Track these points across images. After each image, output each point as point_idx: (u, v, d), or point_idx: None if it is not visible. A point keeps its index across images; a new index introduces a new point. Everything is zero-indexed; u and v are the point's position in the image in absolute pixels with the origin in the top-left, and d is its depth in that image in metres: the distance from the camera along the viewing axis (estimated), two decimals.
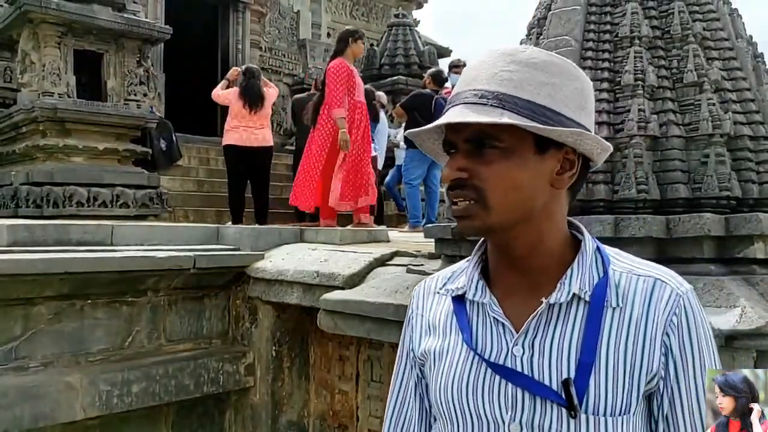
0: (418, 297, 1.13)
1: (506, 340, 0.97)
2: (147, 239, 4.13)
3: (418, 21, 14.19)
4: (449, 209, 4.15)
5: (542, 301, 0.95)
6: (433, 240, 3.50)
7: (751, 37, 3.18)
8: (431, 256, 3.63)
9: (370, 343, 3.68)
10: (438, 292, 1.09)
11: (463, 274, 1.06)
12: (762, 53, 3.15)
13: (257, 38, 11.88)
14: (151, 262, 3.74)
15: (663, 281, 0.95)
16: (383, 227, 5.72)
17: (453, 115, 0.93)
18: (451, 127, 0.95)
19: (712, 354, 0.95)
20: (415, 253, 3.81)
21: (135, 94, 7.33)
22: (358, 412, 3.79)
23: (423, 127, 1.01)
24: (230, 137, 6.65)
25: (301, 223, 6.63)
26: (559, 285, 0.95)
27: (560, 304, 0.95)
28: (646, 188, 2.75)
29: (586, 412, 0.91)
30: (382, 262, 3.78)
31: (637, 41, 2.99)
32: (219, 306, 4.23)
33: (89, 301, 3.68)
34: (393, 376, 1.15)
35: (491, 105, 0.91)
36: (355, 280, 3.61)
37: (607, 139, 2.90)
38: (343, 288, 3.56)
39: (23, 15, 6.58)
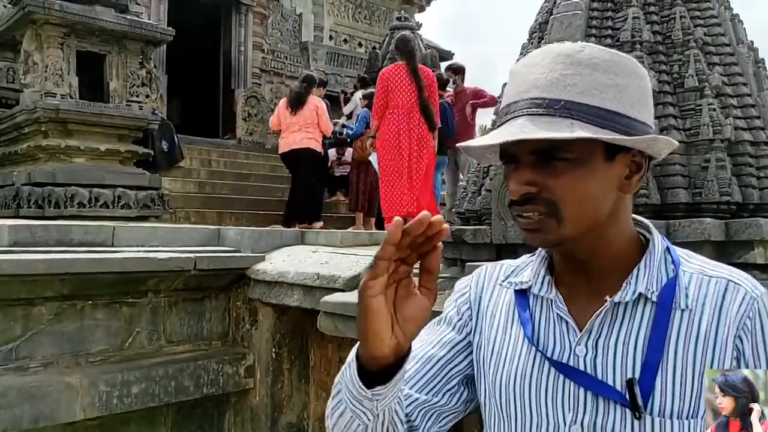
0: (479, 281, 1.08)
1: (569, 339, 0.94)
2: (148, 240, 4.13)
3: (421, 24, 14.18)
4: (451, 213, 4.13)
5: (606, 300, 0.92)
6: None
7: (752, 42, 3.19)
8: None
9: None
10: (500, 284, 1.06)
11: (527, 268, 1.03)
12: (763, 59, 3.15)
13: (259, 40, 11.89)
14: (152, 264, 3.74)
15: (736, 283, 0.92)
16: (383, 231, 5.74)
17: (517, 130, 0.87)
18: (514, 141, 0.89)
19: None
20: None
21: (137, 96, 7.34)
22: None
23: (479, 143, 0.94)
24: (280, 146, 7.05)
25: (302, 225, 6.67)
26: (624, 284, 0.92)
27: (626, 304, 0.92)
28: (646, 193, 2.75)
29: (651, 413, 0.88)
30: None
31: (638, 46, 2.99)
32: (219, 307, 4.23)
33: (90, 302, 3.69)
34: (426, 335, 1.07)
35: (559, 116, 0.86)
36: (356, 282, 3.60)
37: None
38: (343, 290, 3.56)
39: (26, 16, 6.59)
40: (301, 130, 6.88)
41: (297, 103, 6.91)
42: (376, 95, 5.64)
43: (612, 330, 0.92)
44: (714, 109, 2.85)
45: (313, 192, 7.33)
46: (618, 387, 0.89)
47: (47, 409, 3.33)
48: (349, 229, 6.67)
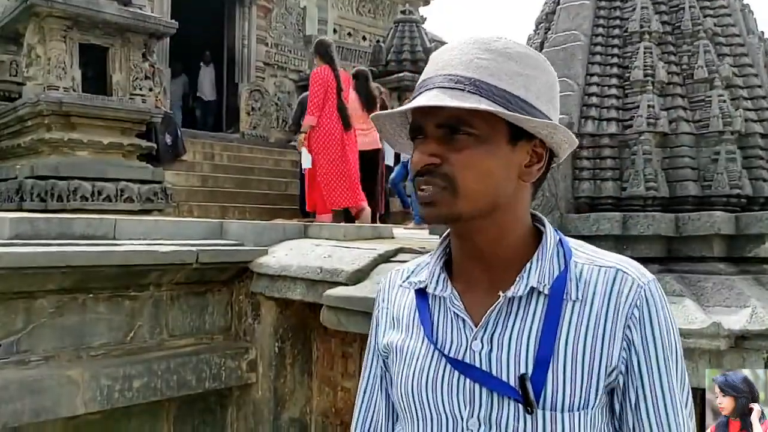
0: (384, 289, 1.13)
1: (466, 335, 0.96)
2: (150, 234, 4.10)
3: (425, 18, 14.12)
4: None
5: (500, 295, 0.94)
6: (437, 237, 3.47)
7: (762, 33, 3.13)
8: None
9: None
10: (401, 285, 1.09)
11: (426, 267, 1.06)
12: None
13: (263, 34, 11.85)
14: (154, 257, 3.71)
15: (624, 272, 0.94)
16: (388, 225, 5.73)
17: (428, 98, 0.91)
18: (422, 112, 0.93)
19: (675, 347, 0.93)
20: (419, 249, 3.77)
21: (140, 89, 7.31)
22: None
23: (392, 110, 1.00)
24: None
25: (305, 220, 6.65)
26: (518, 278, 0.94)
27: (519, 298, 0.94)
28: (655, 185, 2.71)
29: (543, 408, 0.90)
30: (386, 258, 3.74)
31: (646, 36, 2.95)
32: (222, 301, 4.20)
33: (91, 295, 3.66)
34: (362, 369, 1.16)
35: (468, 91, 0.89)
36: (359, 276, 3.57)
37: (615, 135, 2.87)
38: (346, 284, 3.53)
39: (29, 9, 6.56)
40: (371, 127, 6.83)
41: (373, 103, 6.85)
42: (316, 93, 6.01)
43: (507, 325, 0.94)
44: (724, 101, 2.81)
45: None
46: (512, 382, 0.91)
47: (48, 402, 3.31)
48: (355, 223, 6.65)
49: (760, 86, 2.91)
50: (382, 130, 1.04)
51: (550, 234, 0.98)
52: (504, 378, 0.91)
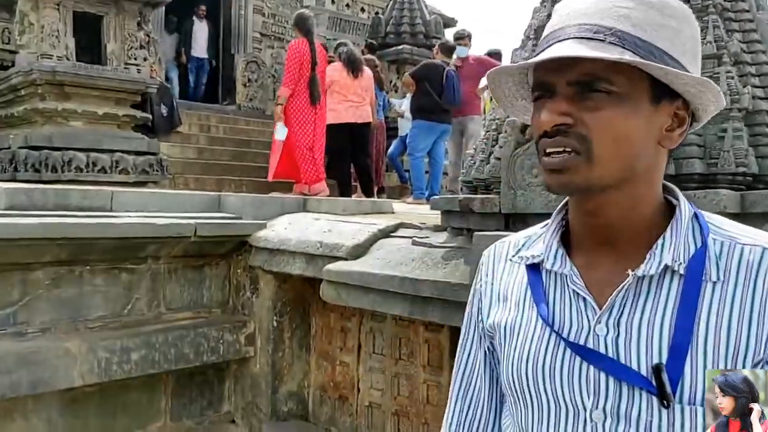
0: (488, 263, 1.02)
1: (588, 317, 0.87)
2: (147, 206, 4.06)
3: None
4: (454, 183, 4.04)
5: (629, 274, 0.84)
6: (438, 212, 3.44)
7: None
8: (437, 229, 3.57)
9: (373, 314, 3.64)
10: (511, 260, 0.99)
11: (539, 240, 0.96)
12: None
13: (260, 4, 11.68)
14: (152, 229, 3.68)
15: None
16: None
17: (564, 49, 0.80)
18: (551, 67, 0.82)
19: None
20: (420, 225, 3.75)
21: (135, 59, 7.19)
22: (359, 384, 3.77)
23: (512, 64, 0.89)
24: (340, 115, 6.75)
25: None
26: (648, 255, 0.84)
27: (650, 277, 0.84)
28: None
29: (680, 401, 0.81)
30: (386, 233, 3.72)
31: None
32: (220, 275, 4.18)
33: (88, 268, 3.63)
34: (458, 349, 1.06)
35: (609, 42, 0.79)
36: (359, 251, 3.55)
37: None
38: (346, 259, 3.50)
39: None
40: (363, 100, 6.72)
41: (359, 65, 6.70)
42: (293, 66, 6.05)
43: (636, 307, 0.85)
44: (732, 78, 2.76)
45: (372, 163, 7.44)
46: (644, 372, 0.82)
47: (45, 374, 3.30)
48: (353, 197, 6.61)
49: None
50: (495, 89, 0.94)
51: (685, 207, 0.88)
52: (634, 367, 0.83)
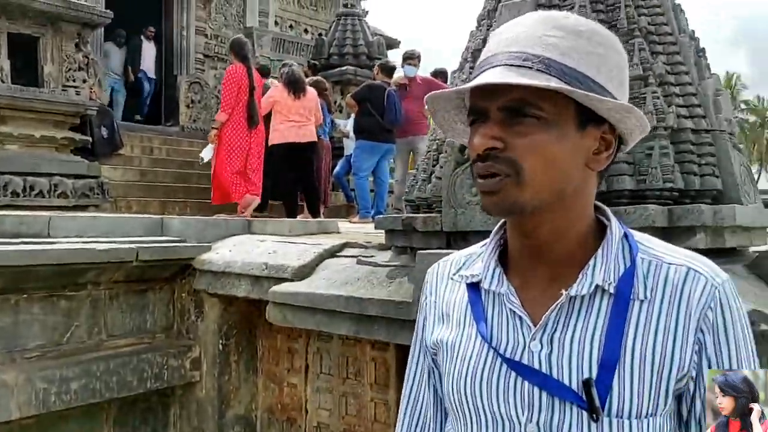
0: (432, 281, 1.05)
1: (523, 334, 0.90)
2: (86, 231, 3.97)
3: (367, 11, 14.10)
4: (400, 201, 4.08)
5: (562, 293, 0.88)
6: (383, 231, 3.48)
7: (693, 32, 3.26)
8: (382, 248, 3.60)
9: (320, 335, 3.64)
10: (452, 278, 1.01)
11: (479, 259, 0.98)
12: (704, 48, 3.22)
13: (203, 25, 11.60)
14: (91, 255, 3.60)
15: (697, 271, 0.88)
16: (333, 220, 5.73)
17: (493, 76, 0.83)
18: (483, 93, 0.86)
19: (750, 352, 0.88)
20: (365, 244, 3.78)
21: (74, 80, 7.05)
22: (307, 405, 3.75)
23: (449, 89, 0.92)
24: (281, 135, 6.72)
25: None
26: (581, 275, 0.88)
27: (582, 297, 0.88)
28: None
29: (609, 414, 0.84)
30: (332, 253, 3.74)
31: None
32: (163, 299, 4.11)
33: (25, 296, 3.52)
34: (408, 365, 1.09)
35: (537, 69, 0.82)
36: (305, 271, 3.55)
37: None
38: (292, 280, 3.50)
39: None
40: (308, 120, 6.70)
41: (301, 87, 6.70)
42: (230, 91, 6.14)
43: (568, 325, 0.88)
44: (658, 98, 2.91)
45: (318, 182, 7.38)
46: (574, 386, 0.86)
47: None
48: (299, 217, 6.60)
49: (690, 83, 3.02)
50: (434, 114, 0.96)
51: (615, 228, 0.91)
52: (566, 382, 0.86)
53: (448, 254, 1.09)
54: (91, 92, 8.21)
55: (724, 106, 3.05)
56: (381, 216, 3.50)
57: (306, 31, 13.39)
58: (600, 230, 0.93)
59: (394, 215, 3.59)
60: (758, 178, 38.84)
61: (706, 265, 0.90)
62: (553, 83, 0.82)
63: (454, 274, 1.02)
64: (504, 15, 3.15)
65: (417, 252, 2.94)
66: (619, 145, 0.92)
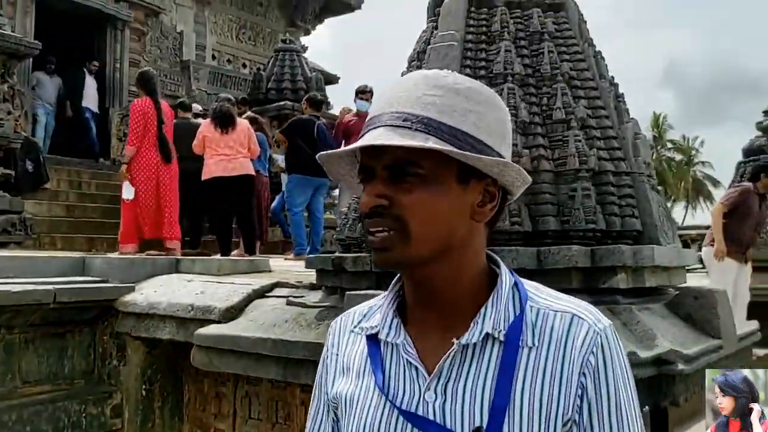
0: (334, 334, 1.06)
1: (419, 384, 0.91)
2: (3, 271, 3.78)
3: (306, 47, 14.19)
4: (336, 242, 4.07)
5: (454, 342, 0.90)
6: (313, 271, 3.44)
7: (612, 77, 3.39)
8: (313, 287, 3.55)
9: (248, 378, 3.53)
10: (353, 331, 1.03)
11: (378, 311, 1.00)
12: (622, 93, 3.35)
13: (137, 57, 11.41)
14: (5, 297, 3.41)
15: (580, 317, 0.91)
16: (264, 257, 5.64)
17: (374, 137, 0.87)
18: (369, 152, 0.90)
19: (630, 395, 0.91)
20: (296, 283, 3.72)
21: None
22: None
23: (336, 150, 0.95)
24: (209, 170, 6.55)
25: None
26: (472, 324, 0.90)
27: (474, 345, 0.90)
28: (519, 220, 2.83)
29: None
30: (261, 293, 3.66)
31: (510, 78, 3.10)
32: (84, 343, 3.92)
33: None
34: (308, 418, 1.08)
35: (416, 129, 0.86)
36: (233, 313, 3.47)
37: None
38: (219, 322, 3.41)
39: None
40: (238, 153, 6.57)
41: (229, 122, 6.57)
42: (136, 124, 6.02)
43: (461, 374, 0.90)
44: (579, 141, 2.99)
45: (255, 218, 7.19)
46: None
47: None
48: (234, 254, 6.48)
49: (611, 127, 3.13)
50: (331, 170, 1.00)
51: (506, 276, 0.95)
52: (458, 430, 0.88)
53: (376, 295, 1.09)
54: (16, 124, 7.93)
55: (643, 150, 3.16)
56: (311, 255, 3.45)
57: (244, 65, 13.34)
58: (492, 279, 0.96)
59: (324, 254, 3.55)
60: (685, 215, 40.66)
61: (589, 311, 0.93)
62: (431, 143, 0.85)
63: (354, 327, 1.03)
64: (432, 57, 3.21)
65: (346, 293, 2.91)
66: (505, 195, 0.95)
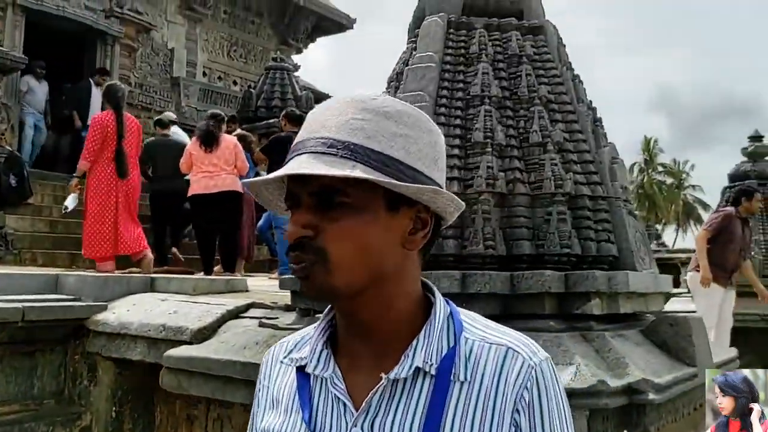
0: (266, 365, 1.01)
1: (346, 420, 0.87)
2: None
3: (299, 65, 14.22)
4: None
5: (382, 377, 0.86)
6: (288, 291, 3.39)
7: (591, 102, 3.38)
8: (287, 308, 3.50)
9: (221, 401, 3.46)
10: (282, 361, 0.98)
11: (310, 341, 0.95)
12: (600, 118, 3.34)
13: (127, 73, 11.39)
14: None
15: (515, 350, 0.87)
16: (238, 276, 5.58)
17: (297, 165, 0.84)
18: (294, 180, 0.86)
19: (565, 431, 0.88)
20: (271, 304, 3.66)
21: None
22: None
23: (260, 178, 0.91)
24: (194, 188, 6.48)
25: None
26: (403, 358, 0.86)
27: (404, 379, 0.86)
28: (493, 244, 2.80)
29: None
30: (235, 314, 3.60)
31: (487, 100, 3.08)
32: (54, 362, 3.85)
33: None
34: None
35: (342, 156, 0.83)
36: (205, 334, 3.41)
37: (457, 194, 2.94)
38: (191, 343, 3.35)
39: None
40: (222, 170, 6.51)
41: (211, 140, 6.51)
42: (94, 139, 5.94)
43: (389, 409, 0.86)
44: (556, 164, 2.97)
45: (239, 236, 7.07)
46: None
47: None
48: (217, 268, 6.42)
49: (588, 151, 3.11)
50: (259, 196, 0.95)
51: (440, 307, 0.90)
52: None
53: None
54: (2, 138, 7.88)
55: (620, 174, 3.14)
56: (285, 276, 3.40)
57: (235, 82, 13.35)
58: (428, 308, 0.92)
59: None
60: (675, 238, 40.74)
61: (525, 344, 0.89)
62: (358, 170, 0.82)
63: (284, 358, 0.98)
64: (409, 78, 3.19)
65: (316, 316, 2.86)
66: (439, 221, 0.92)
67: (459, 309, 0.94)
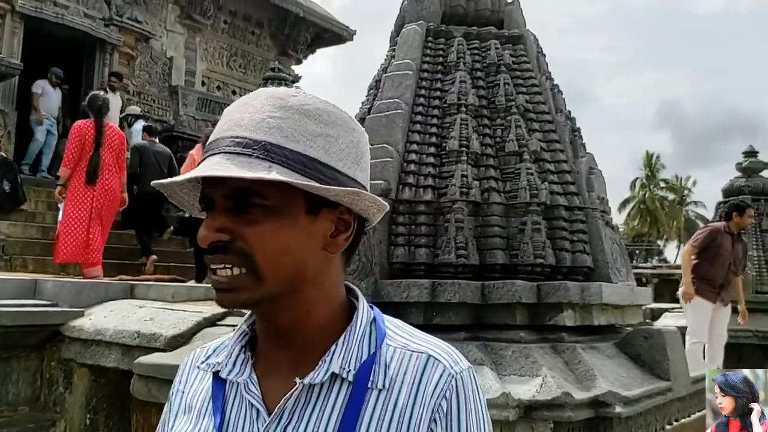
0: (183, 370, 0.98)
1: (258, 426, 0.84)
2: None
3: (300, 76, 14.25)
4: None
5: (297, 381, 0.82)
6: None
7: (569, 112, 3.35)
8: None
9: None
10: (199, 367, 0.94)
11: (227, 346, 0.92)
12: (579, 128, 3.32)
13: (125, 81, 11.42)
14: None
15: (436, 358, 0.84)
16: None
17: (209, 166, 0.79)
18: (209, 181, 0.81)
19: None
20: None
21: None
22: None
23: (171, 179, 0.86)
24: None
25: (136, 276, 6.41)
26: (320, 363, 0.83)
27: (320, 385, 0.83)
28: (465, 253, 2.76)
29: None
30: (212, 322, 3.57)
31: (463, 109, 3.06)
32: (30, 368, 3.81)
33: None
34: None
35: (257, 156, 0.78)
36: (180, 341, 3.37)
37: (430, 203, 2.91)
38: (165, 350, 3.31)
39: None
40: None
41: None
42: (72, 146, 6.01)
43: (303, 416, 0.83)
44: (532, 174, 2.94)
45: None
46: None
47: None
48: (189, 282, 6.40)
49: (565, 161, 3.09)
50: (173, 198, 0.91)
51: (363, 311, 0.88)
52: None
53: None
54: None
55: (597, 185, 3.11)
56: None
57: (234, 92, 13.36)
58: (351, 314, 0.89)
59: None
60: (677, 254, 40.51)
61: (448, 352, 0.86)
62: (274, 172, 0.77)
63: (201, 363, 0.95)
64: (387, 85, 3.17)
65: None
66: (362, 223, 0.89)
67: (384, 316, 0.91)
